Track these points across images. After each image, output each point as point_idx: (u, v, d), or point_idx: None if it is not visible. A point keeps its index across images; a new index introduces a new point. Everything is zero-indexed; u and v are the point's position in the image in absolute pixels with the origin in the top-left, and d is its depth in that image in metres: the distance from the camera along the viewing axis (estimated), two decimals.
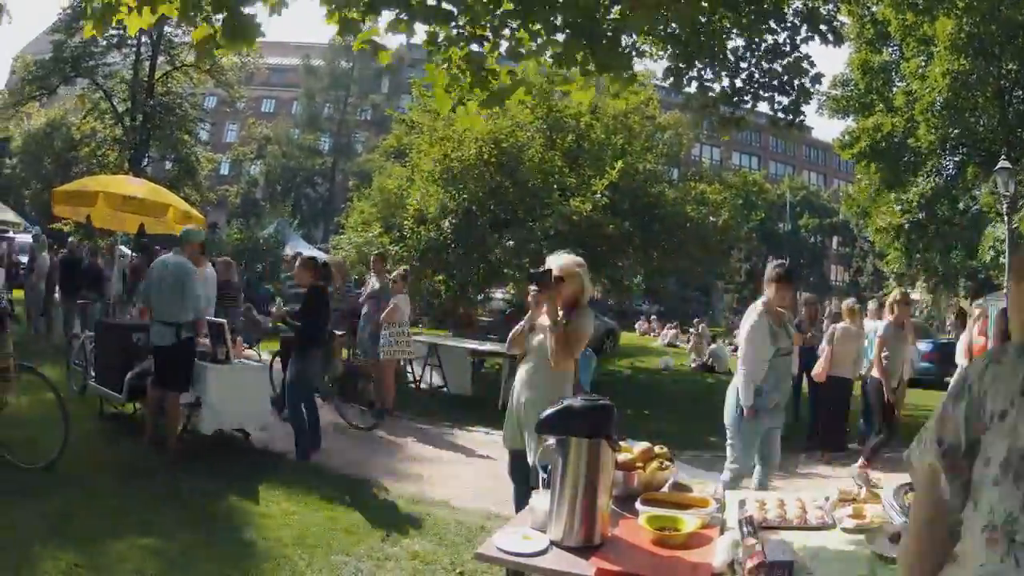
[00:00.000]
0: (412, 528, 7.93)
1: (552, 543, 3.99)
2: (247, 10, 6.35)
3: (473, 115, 7.71)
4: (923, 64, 28.01)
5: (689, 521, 4.12)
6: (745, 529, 3.81)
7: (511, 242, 16.88)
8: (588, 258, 16.64)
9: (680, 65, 7.97)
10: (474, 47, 7.09)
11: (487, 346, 15.84)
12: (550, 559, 3.88)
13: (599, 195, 16.85)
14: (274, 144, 74.07)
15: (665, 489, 4.69)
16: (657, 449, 5.03)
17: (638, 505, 4.37)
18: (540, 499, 4.27)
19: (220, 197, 60.72)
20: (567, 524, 4.00)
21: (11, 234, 30.54)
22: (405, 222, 18.84)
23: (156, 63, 44.83)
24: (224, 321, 10.84)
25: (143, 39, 44.02)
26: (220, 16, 6.49)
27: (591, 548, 3.94)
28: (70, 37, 42.27)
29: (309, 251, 39.50)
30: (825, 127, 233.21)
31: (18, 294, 18.98)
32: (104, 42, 43.22)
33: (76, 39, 42.04)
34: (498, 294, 19.91)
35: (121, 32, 42.00)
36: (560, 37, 6.85)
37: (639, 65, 8.82)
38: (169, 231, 15.36)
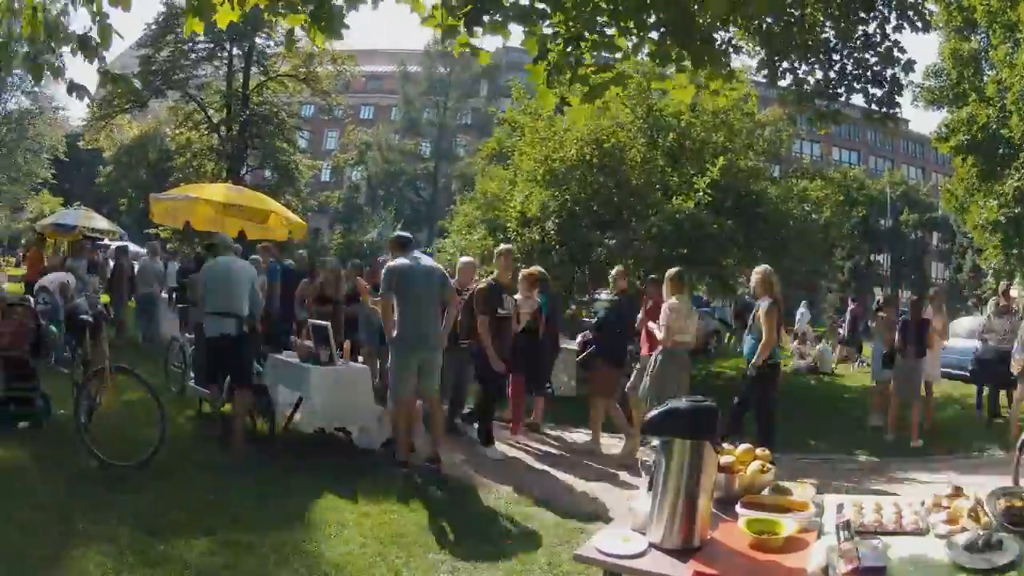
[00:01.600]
0: (511, 528, 8.08)
1: (651, 545, 4.02)
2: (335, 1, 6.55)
3: (578, 110, 7.78)
4: (1011, 51, 27.29)
5: (787, 525, 4.13)
6: (842, 533, 3.84)
7: (614, 242, 16.87)
8: (693, 258, 16.62)
9: (774, 59, 7.99)
10: (568, 46, 7.17)
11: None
12: (647, 561, 3.91)
13: (701, 193, 16.79)
14: (375, 150, 74.73)
15: (765, 492, 4.69)
16: (759, 451, 5.05)
17: (738, 508, 4.37)
18: (641, 500, 4.33)
19: (322, 203, 61.43)
20: (667, 526, 4.02)
21: (106, 241, 31.30)
22: (509, 224, 18.92)
23: (249, 74, 45.52)
24: (328, 324, 11.05)
25: (234, 51, 44.97)
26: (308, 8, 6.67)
27: (690, 551, 3.96)
28: (157, 52, 43.61)
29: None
30: (922, 120, 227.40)
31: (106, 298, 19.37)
32: (194, 55, 44.46)
33: (164, 53, 43.47)
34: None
35: (211, 45, 42.95)
36: (654, 35, 6.90)
37: (736, 61, 8.79)
38: (271, 236, 15.72)
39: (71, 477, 8.68)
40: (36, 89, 54.58)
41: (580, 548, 4.17)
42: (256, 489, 8.67)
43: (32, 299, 13.07)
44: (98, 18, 6.66)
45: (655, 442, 4.19)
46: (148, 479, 8.72)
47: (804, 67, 8.23)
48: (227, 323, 10.08)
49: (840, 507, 4.32)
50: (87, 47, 6.79)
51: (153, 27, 43.02)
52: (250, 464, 9.59)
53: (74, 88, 7.11)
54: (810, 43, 8.13)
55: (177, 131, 48.14)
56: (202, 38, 43.84)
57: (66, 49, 7.02)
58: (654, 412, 4.21)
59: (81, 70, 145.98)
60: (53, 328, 13.60)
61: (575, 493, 9.72)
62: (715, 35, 7.18)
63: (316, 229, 52.16)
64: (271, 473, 9.32)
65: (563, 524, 8.29)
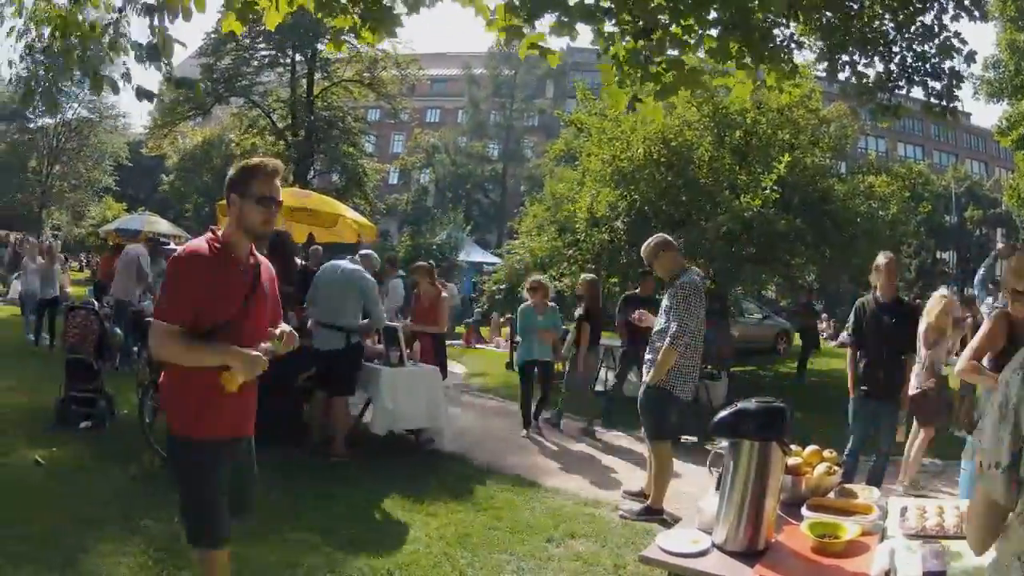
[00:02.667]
0: (577, 529, 8.05)
1: (715, 546, 4.03)
2: (386, 1, 6.59)
3: (652, 108, 7.77)
4: None
5: (850, 528, 4.11)
6: (903, 538, 3.81)
7: (683, 241, 16.81)
8: (761, 257, 16.48)
9: (833, 52, 7.94)
10: (638, 41, 7.17)
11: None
12: (710, 562, 3.92)
13: (768, 191, 16.67)
14: (442, 153, 75.08)
15: (831, 495, 4.69)
16: (826, 453, 5.01)
17: (803, 510, 4.38)
18: (708, 501, 4.31)
19: (390, 206, 61.81)
20: (732, 527, 4.03)
21: (172, 245, 31.84)
22: (578, 225, 18.93)
23: (313, 80, 45.96)
24: (398, 325, 11.16)
25: (297, 57, 45.34)
26: (359, 8, 6.71)
27: (754, 554, 3.97)
28: (219, 60, 44.44)
29: (482, 257, 40.04)
30: (984, 113, 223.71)
31: None
32: (256, 62, 45.02)
33: (225, 61, 44.39)
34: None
35: (273, 52, 43.49)
36: (714, 32, 6.88)
37: (797, 57, 8.71)
38: (340, 239, 15.84)
39: (136, 476, 8.86)
40: (95, 98, 55.53)
41: (646, 549, 4.16)
42: (322, 489, 8.77)
43: (97, 302, 13.30)
44: (158, 30, 6.78)
45: (724, 443, 4.18)
46: None
47: (863, 60, 8.17)
48: (335, 338, 10.11)
49: (903, 510, 4.27)
50: (152, 56, 6.90)
51: (213, 36, 43.64)
52: (317, 464, 9.71)
53: (142, 94, 7.23)
54: (868, 35, 8.06)
55: (242, 137, 48.83)
56: (263, 45, 44.64)
57: (130, 58, 7.15)
58: (724, 412, 4.20)
59: (143, 79, 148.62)
60: (118, 331, 13.87)
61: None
62: (775, 31, 7.13)
63: (385, 231, 52.43)
64: (338, 473, 9.41)
65: (630, 525, 8.31)
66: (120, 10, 7.15)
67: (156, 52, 6.99)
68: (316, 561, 6.83)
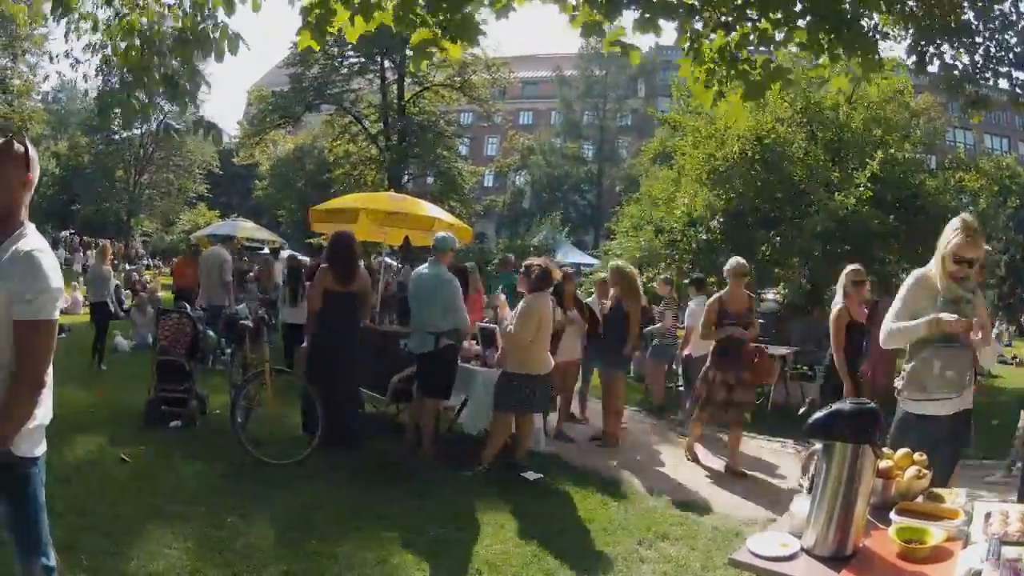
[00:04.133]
0: (668, 531, 8.03)
1: (803, 550, 3.97)
2: (466, 10, 6.61)
3: (736, 107, 7.73)
4: None
5: (935, 534, 4.00)
6: (986, 543, 3.73)
7: (779, 240, 16.64)
8: (856, 256, 16.28)
9: (920, 43, 7.82)
10: (716, 37, 7.13)
11: None
12: (798, 567, 3.85)
13: (862, 188, 16.42)
14: (537, 154, 75.17)
15: (919, 499, 4.59)
16: (916, 456, 4.92)
17: (892, 515, 4.26)
18: (800, 503, 4.26)
19: (486, 208, 62.10)
20: (821, 531, 3.95)
21: (266, 250, 32.30)
22: (675, 225, 18.85)
23: (404, 85, 46.32)
24: (496, 327, 11.15)
25: (386, 63, 45.70)
26: (438, 19, 6.74)
27: (842, 559, 3.89)
28: (307, 69, 45.00)
29: (580, 258, 40.01)
30: None
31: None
32: (345, 70, 45.45)
33: (314, 70, 45.12)
34: (769, 295, 19.58)
35: (362, 59, 43.95)
36: (802, 24, 6.81)
37: (886, 50, 8.60)
38: None
39: (224, 474, 9.04)
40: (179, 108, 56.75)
41: (736, 552, 4.11)
42: (414, 488, 8.85)
43: (189, 306, 13.55)
44: (187, 68, 6.94)
45: (817, 444, 4.12)
46: (303, 477, 9.01)
47: (950, 51, 8.06)
48: (427, 341, 10.14)
49: (988, 516, 4.16)
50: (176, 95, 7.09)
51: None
52: (409, 465, 9.78)
53: (209, 129, 7.36)
54: (952, 25, 7.93)
55: (334, 143, 49.42)
56: (352, 53, 45.10)
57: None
58: (819, 414, 4.13)
59: (229, 90, 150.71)
60: (211, 333, 14.13)
61: (737, 496, 9.64)
62: (861, 22, 7.04)
63: (482, 234, 52.76)
64: (431, 473, 9.49)
65: (721, 527, 8.27)
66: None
67: (180, 91, 7.15)
68: (405, 559, 6.90)
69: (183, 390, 11.41)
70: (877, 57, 7.24)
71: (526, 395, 9.66)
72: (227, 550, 6.78)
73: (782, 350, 14.95)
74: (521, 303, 9.82)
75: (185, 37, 7.29)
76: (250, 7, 7.62)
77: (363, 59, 46.19)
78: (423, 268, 10.72)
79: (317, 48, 7.90)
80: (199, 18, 7.41)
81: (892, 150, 18.09)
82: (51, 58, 54.28)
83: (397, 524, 7.70)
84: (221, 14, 7.43)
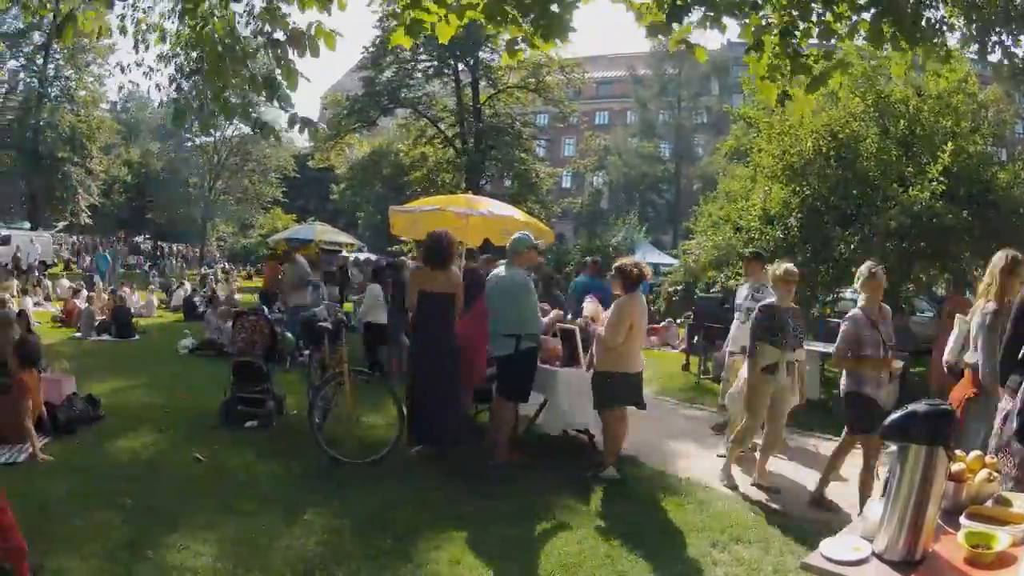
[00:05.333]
0: (743, 534, 7.93)
1: (874, 554, 3.91)
2: (555, 8, 6.62)
3: (801, 102, 7.67)
4: None
5: (1002, 539, 3.91)
6: None
7: (856, 238, 16.42)
8: (931, 253, 15.96)
9: (983, 32, 7.71)
10: (785, 35, 7.09)
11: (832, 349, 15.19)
12: (868, 571, 3.79)
13: (935, 182, 16.14)
14: (613, 154, 75.06)
15: (988, 502, 4.49)
16: (988, 459, 4.83)
17: (962, 519, 4.17)
18: (874, 506, 4.20)
19: (565, 209, 62.14)
20: (892, 536, 3.87)
21: (344, 253, 32.60)
22: (752, 223, 18.72)
23: (478, 88, 46.47)
24: (576, 328, 11.09)
25: (459, 66, 46.02)
26: (528, 17, 6.76)
27: (911, 564, 3.81)
28: (379, 73, 45.53)
29: (658, 258, 39.93)
30: None
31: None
32: (419, 73, 45.74)
33: (387, 74, 45.57)
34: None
35: (435, 62, 44.24)
36: (866, 16, 6.75)
37: (949, 39, 8.44)
38: None
39: (300, 473, 9.20)
40: (255, 115, 57.71)
41: (808, 556, 4.07)
42: (490, 489, 8.87)
43: (266, 308, 13.72)
44: (283, 64, 7.01)
45: (892, 447, 4.06)
46: (379, 477, 9.10)
47: (1011, 40, 7.94)
48: (506, 344, 10.10)
49: None
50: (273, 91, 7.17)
51: (371, 50, 44.55)
52: (486, 466, 9.77)
53: (305, 124, 7.44)
54: (1012, 13, 7.81)
55: (411, 146, 49.66)
56: (424, 56, 45.39)
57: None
58: (895, 415, 4.07)
59: (303, 95, 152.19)
60: (289, 335, 14.29)
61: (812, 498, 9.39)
62: (923, 12, 6.96)
63: (561, 235, 52.80)
64: (506, 473, 9.50)
65: (795, 529, 8.13)
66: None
67: (276, 87, 7.22)
68: (479, 559, 6.92)
69: (260, 391, 11.60)
70: (944, 49, 7.16)
71: (623, 392, 9.68)
72: (299, 548, 6.89)
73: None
74: (615, 303, 9.80)
75: (275, 39, 7.38)
76: (336, 5, 7.72)
77: (436, 63, 46.43)
78: (500, 270, 10.69)
79: (408, 46, 7.97)
80: (285, 18, 7.51)
81: (962, 142, 17.77)
82: (122, 69, 55.30)
83: (471, 524, 7.73)
84: (295, 12, 7.54)
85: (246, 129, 55.15)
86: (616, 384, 9.66)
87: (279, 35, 7.22)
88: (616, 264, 10.18)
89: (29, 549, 5.74)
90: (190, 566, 6.35)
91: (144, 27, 8.91)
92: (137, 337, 21.94)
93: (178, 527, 7.14)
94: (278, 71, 7.11)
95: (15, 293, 27.64)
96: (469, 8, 7.03)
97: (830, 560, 3.86)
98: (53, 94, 61.22)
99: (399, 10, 7.36)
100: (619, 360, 9.65)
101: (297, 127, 7.23)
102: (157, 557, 6.47)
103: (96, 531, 6.99)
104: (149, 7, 9.22)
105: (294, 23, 7.34)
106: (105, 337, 21.67)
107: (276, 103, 7.39)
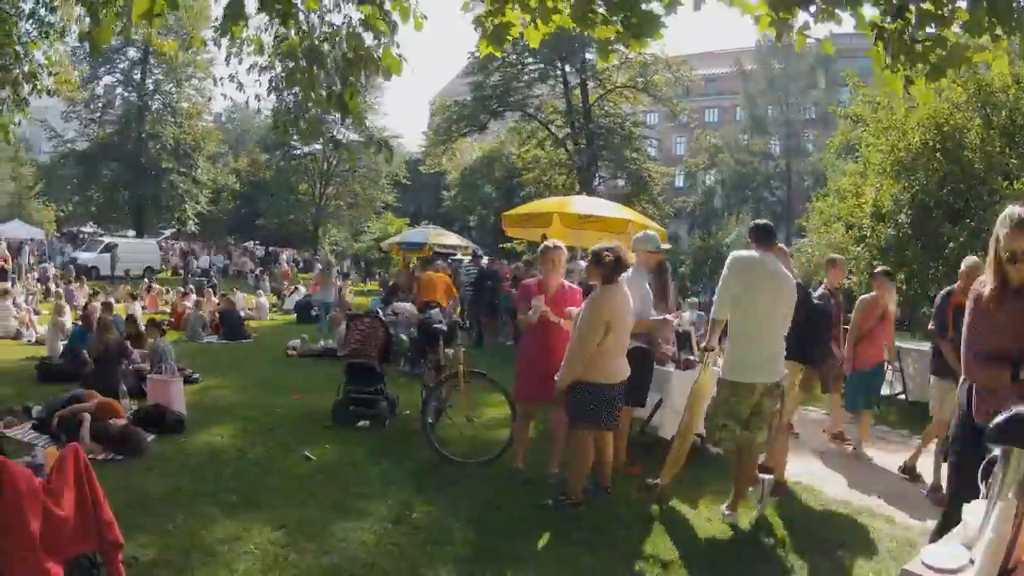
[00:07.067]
0: (846, 539, 7.83)
1: (971, 562, 3.86)
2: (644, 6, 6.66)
3: (925, 92, 7.59)
4: None
5: None
6: None
7: (963, 233, 16.11)
8: None
9: None
10: (896, 21, 7.03)
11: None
12: None
13: None
14: (724, 152, 74.47)
15: None
16: None
17: None
18: (975, 513, 4.14)
19: (678, 208, 61.85)
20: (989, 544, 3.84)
21: (458, 256, 32.85)
22: (864, 220, 18.50)
23: (587, 88, 46.45)
24: (691, 329, 11.19)
25: (567, 68, 46.17)
26: (619, 17, 6.80)
27: (1003, 572, 3.68)
28: (487, 77, 46.23)
29: None
30: None
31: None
32: (526, 77, 45.79)
33: (494, 79, 46.26)
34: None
35: (542, 66, 44.43)
36: (963, 4, 6.68)
37: None
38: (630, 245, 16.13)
39: (411, 472, 9.32)
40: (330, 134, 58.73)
41: (909, 563, 4.04)
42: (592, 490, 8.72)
43: (381, 311, 13.96)
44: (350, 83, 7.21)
45: (996, 450, 4.00)
46: (490, 477, 9.21)
47: None
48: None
49: None
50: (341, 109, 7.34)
51: (477, 55, 44.79)
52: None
53: (380, 147, 7.61)
54: None
55: (522, 149, 49.84)
56: (531, 60, 45.49)
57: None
58: (999, 417, 4.01)
59: (412, 101, 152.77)
60: (404, 337, 14.50)
61: (923, 504, 9.27)
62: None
63: (675, 235, 52.56)
64: (618, 476, 9.31)
65: (899, 534, 8.05)
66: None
67: (345, 106, 7.37)
68: (587, 560, 6.92)
69: (373, 391, 11.81)
70: None
71: (595, 409, 8.42)
72: (405, 545, 6.99)
73: None
74: (589, 297, 8.64)
75: (351, 58, 7.53)
76: (412, 26, 7.85)
77: (543, 65, 46.61)
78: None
79: (498, 54, 8.06)
80: (366, 38, 7.65)
81: None
82: (215, 81, 56.18)
83: (581, 525, 7.73)
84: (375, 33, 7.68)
85: (355, 136, 55.98)
86: (586, 398, 8.21)
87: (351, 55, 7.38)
88: (592, 249, 8.67)
89: (127, 542, 5.90)
90: (293, 562, 6.49)
91: (239, 40, 9.12)
92: (248, 339, 22.38)
93: (283, 524, 7.30)
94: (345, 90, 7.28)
95: (123, 298, 28.48)
96: (556, 12, 7.09)
97: (930, 568, 3.82)
98: (154, 107, 63.16)
99: (484, 18, 7.44)
100: (592, 367, 8.16)
101: (372, 149, 7.42)
102: (259, 552, 6.63)
103: (198, 526, 7.17)
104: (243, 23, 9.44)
105: (384, 41, 7.50)
106: (212, 339, 22.33)
107: (348, 122, 7.58)
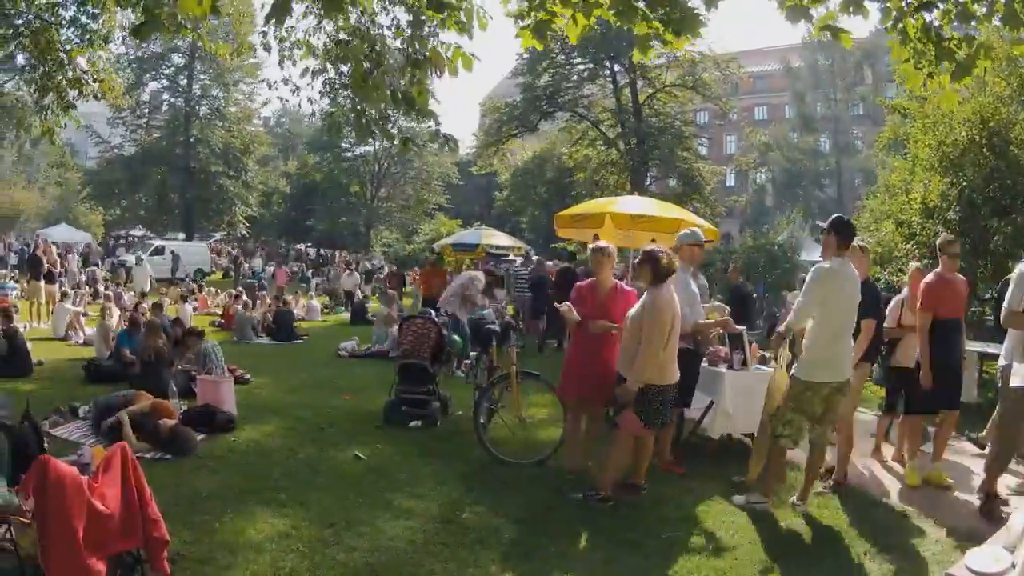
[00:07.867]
0: (893, 541, 7.75)
1: (1012, 566, 3.87)
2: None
3: (948, 91, 7.58)
4: None
5: None
6: None
7: (1009, 229, 15.96)
8: None
9: None
10: (925, 15, 7.03)
11: (992, 348, 14.35)
12: None
13: None
14: (775, 150, 74.05)
15: None
16: None
17: None
18: (1019, 516, 4.15)
19: (729, 207, 61.65)
20: None
21: (511, 257, 32.87)
22: (914, 217, 18.37)
23: (636, 88, 46.32)
24: (743, 328, 11.08)
25: (615, 67, 46.51)
26: (659, 13, 6.82)
27: None
28: (536, 78, 46.16)
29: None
30: None
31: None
32: (575, 77, 46.35)
33: (543, 79, 46.14)
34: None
35: (591, 65, 44.39)
36: None
37: None
38: None
39: (462, 473, 9.38)
40: (414, 124, 58.82)
41: (953, 567, 4.05)
42: (650, 492, 8.82)
43: (434, 312, 14.05)
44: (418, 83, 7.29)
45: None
46: (541, 477, 9.29)
47: None
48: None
49: None
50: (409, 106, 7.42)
51: (526, 56, 45.05)
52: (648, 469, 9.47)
53: (446, 141, 7.71)
54: None
55: (573, 149, 49.86)
56: (579, 59, 45.50)
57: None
58: None
59: (462, 102, 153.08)
60: (456, 338, 14.57)
61: (968, 507, 9.08)
62: None
63: (727, 234, 52.31)
64: (667, 477, 9.45)
65: (941, 541, 7.87)
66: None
67: (412, 102, 7.44)
68: (636, 560, 6.95)
69: (425, 392, 11.93)
70: None
71: (658, 409, 8.55)
72: (454, 545, 7.04)
73: None
74: (648, 296, 8.56)
75: (415, 58, 7.61)
76: (477, 26, 7.91)
77: (592, 64, 46.58)
78: None
79: (540, 48, 8.09)
80: (429, 38, 7.75)
81: None
82: (269, 85, 56.62)
83: (629, 526, 7.76)
84: (442, 33, 7.80)
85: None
86: (652, 399, 8.30)
87: (420, 55, 7.46)
88: (645, 249, 8.68)
89: (173, 539, 6.03)
90: (341, 560, 6.55)
91: (288, 44, 9.22)
92: (300, 341, 22.59)
93: (332, 523, 7.38)
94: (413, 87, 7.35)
95: (175, 300, 28.90)
96: (596, 7, 7.12)
97: (973, 572, 3.84)
98: (201, 112, 64.10)
99: (525, 11, 7.50)
100: (662, 369, 8.30)
101: (438, 143, 7.51)
102: (307, 551, 6.70)
103: (245, 524, 7.28)
104: (291, 26, 9.57)
105: (441, 41, 7.59)
106: (264, 340, 22.60)
107: (415, 118, 7.64)
